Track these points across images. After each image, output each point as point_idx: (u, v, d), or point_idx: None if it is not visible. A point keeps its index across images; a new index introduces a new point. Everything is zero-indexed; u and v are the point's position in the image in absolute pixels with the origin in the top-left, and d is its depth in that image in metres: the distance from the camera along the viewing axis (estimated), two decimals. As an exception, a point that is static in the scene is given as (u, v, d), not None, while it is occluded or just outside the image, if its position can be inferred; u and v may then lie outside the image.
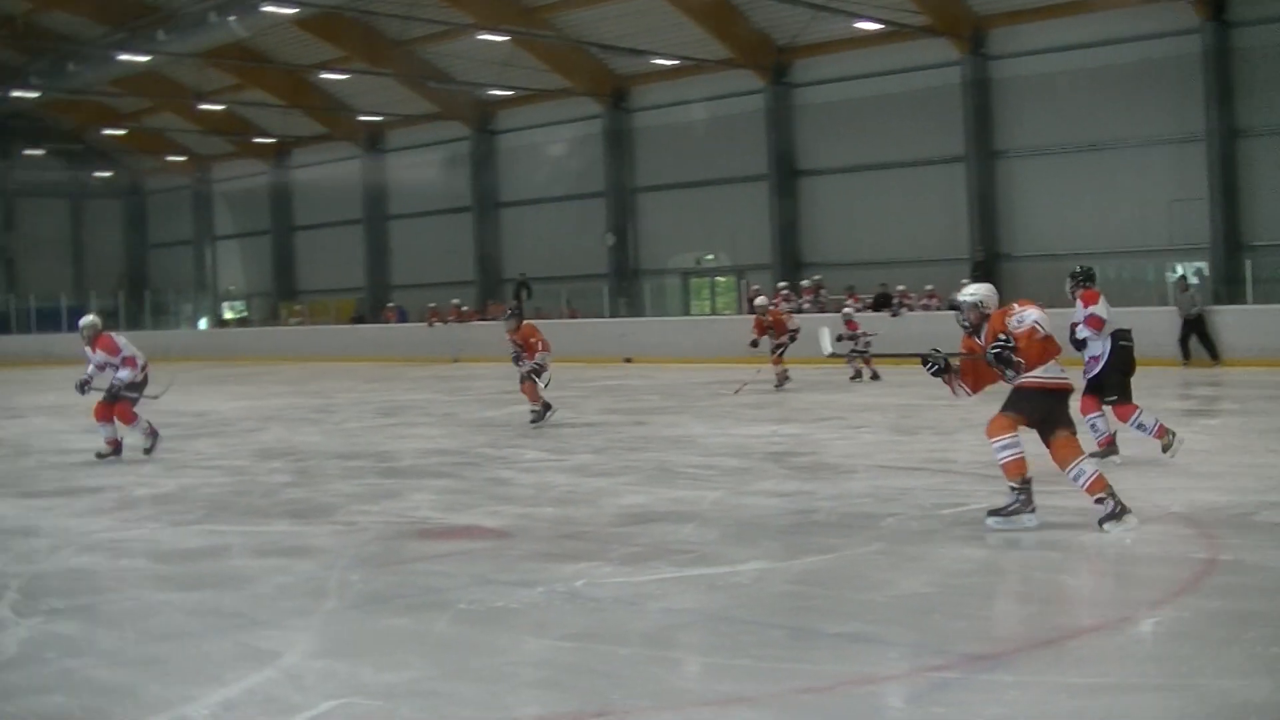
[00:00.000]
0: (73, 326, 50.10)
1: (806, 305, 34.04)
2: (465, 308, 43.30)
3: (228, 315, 61.49)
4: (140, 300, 59.12)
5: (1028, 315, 9.21)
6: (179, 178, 63.08)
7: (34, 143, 60.23)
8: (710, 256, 43.62)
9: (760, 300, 26.67)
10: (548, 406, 18.04)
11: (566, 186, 46.45)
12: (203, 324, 59.83)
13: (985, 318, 9.56)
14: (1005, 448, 9.30)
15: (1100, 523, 9.11)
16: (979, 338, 9.56)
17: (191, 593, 8.32)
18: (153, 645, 7.09)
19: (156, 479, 13.92)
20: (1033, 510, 9.35)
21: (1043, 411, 9.29)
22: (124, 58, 44.45)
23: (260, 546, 9.83)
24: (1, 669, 6.61)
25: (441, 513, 11.42)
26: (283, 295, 57.78)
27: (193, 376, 33.02)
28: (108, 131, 58.43)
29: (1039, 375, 9.24)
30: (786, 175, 40.72)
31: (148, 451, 15.53)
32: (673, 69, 41.61)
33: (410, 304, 47.68)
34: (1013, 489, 9.37)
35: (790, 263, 40.20)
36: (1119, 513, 9.10)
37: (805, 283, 36.88)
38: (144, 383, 15.71)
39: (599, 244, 45.03)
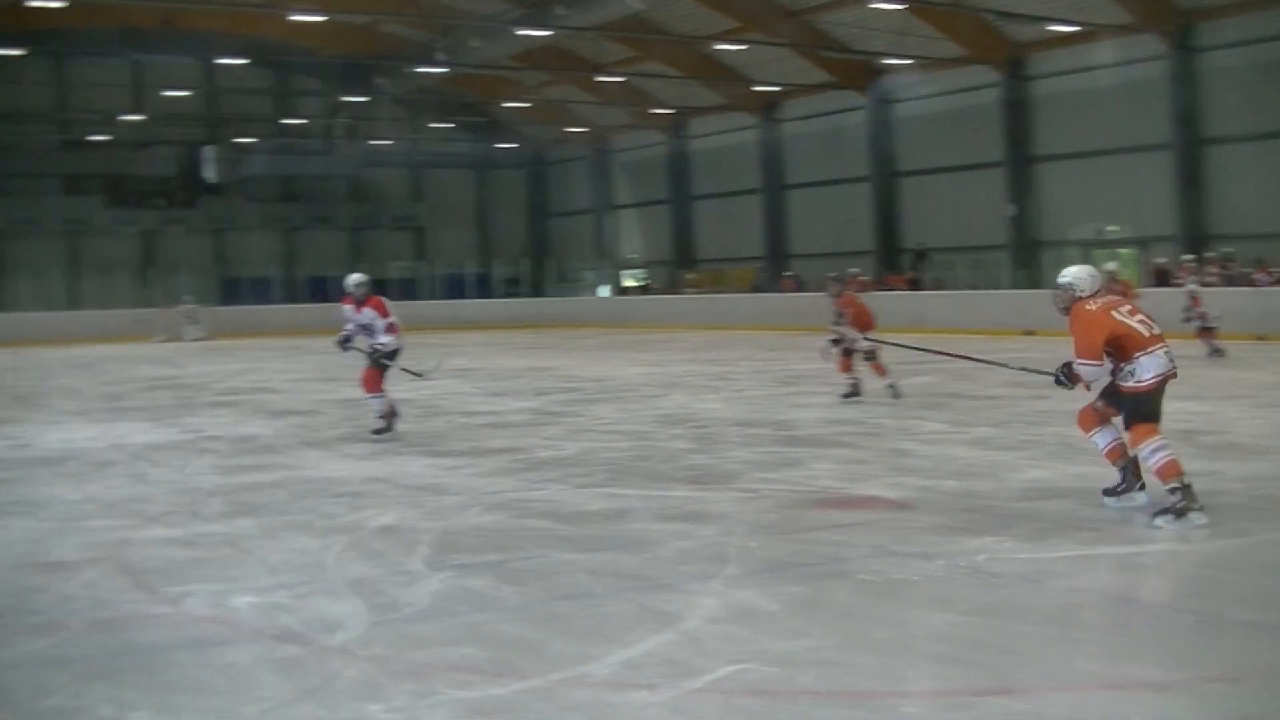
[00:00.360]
0: (479, 293, 52.02)
1: (1213, 279, 32.32)
2: (864, 277, 42.98)
3: (628, 283, 62.53)
4: (542, 268, 60.87)
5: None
6: (578, 148, 64.55)
7: (441, 116, 62.69)
8: (1113, 228, 41.98)
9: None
10: (855, 388, 17.66)
11: (964, 156, 45.41)
12: (603, 291, 60.99)
13: (1074, 302, 9.04)
14: (1155, 450, 8.73)
15: (1154, 516, 8.72)
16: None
17: (594, 554, 8.39)
18: (556, 604, 7.19)
19: (560, 442, 14.19)
20: (1199, 508, 8.68)
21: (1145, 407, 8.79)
22: (525, 33, 45.71)
23: (661, 511, 9.86)
24: (414, 620, 6.82)
25: (842, 482, 11.23)
26: (682, 264, 58.45)
27: (594, 342, 33.87)
28: (510, 104, 60.19)
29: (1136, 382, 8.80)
30: (1190, 143, 38.75)
31: (378, 433, 14.79)
32: (1071, 35, 40.11)
33: (808, 273, 47.59)
34: (1173, 489, 8.69)
35: (1195, 234, 38.32)
36: (1183, 508, 8.60)
37: (1211, 255, 35.08)
38: (398, 352, 15.00)
39: (998, 214, 43.95)
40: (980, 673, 5.77)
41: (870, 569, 7.74)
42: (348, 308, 14.96)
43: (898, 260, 47.47)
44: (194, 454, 13.80)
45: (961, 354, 14.51)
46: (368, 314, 14.83)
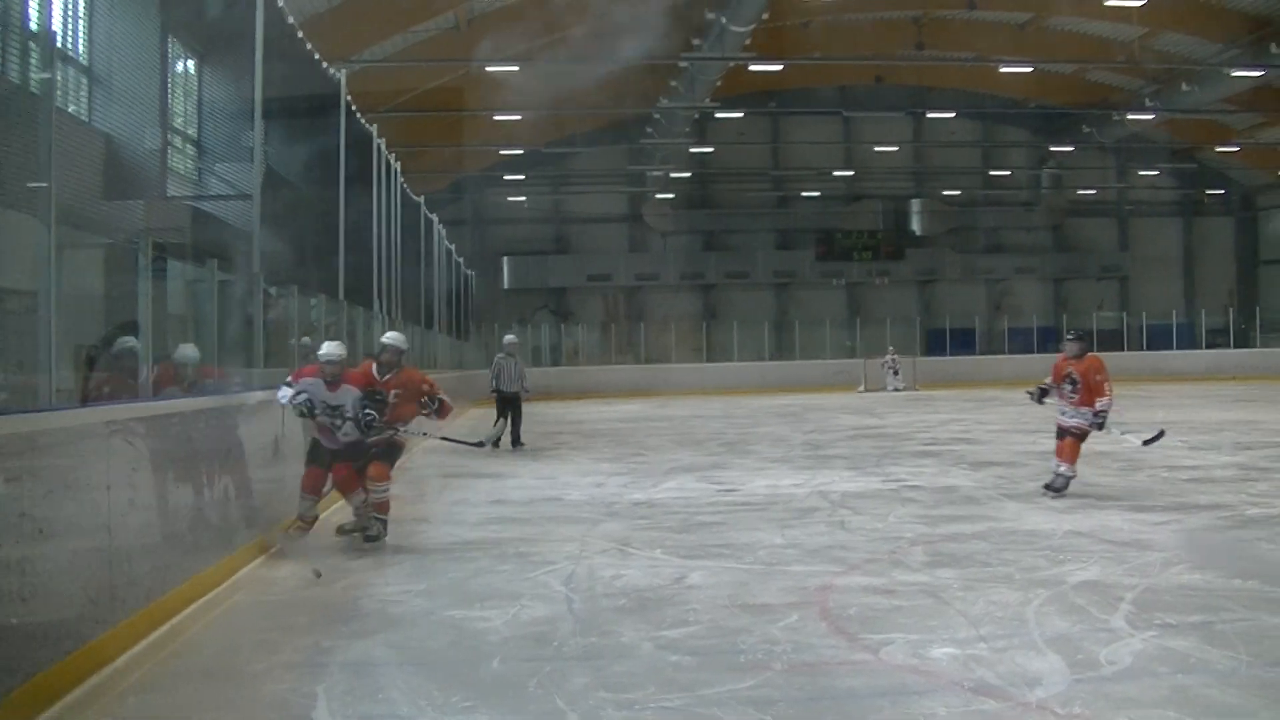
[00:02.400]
0: (1184, 343, 50.09)
1: None
2: None
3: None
4: (1250, 317, 58.21)
5: None
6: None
7: (1148, 163, 61.20)
8: None
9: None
10: None
11: None
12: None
13: None
14: None
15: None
16: None
17: (1308, 621, 8.04)
18: (1267, 670, 6.94)
19: (1270, 499, 13.64)
20: None
21: None
22: (1238, 74, 44.05)
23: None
24: (1115, 679, 6.78)
25: None
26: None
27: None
28: (1220, 149, 58.04)
29: None
30: None
31: (368, 539, 11.74)
32: None
33: None
34: None
35: None
36: None
37: None
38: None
39: None
40: None
41: None
42: (286, 390, 11.38)
43: None
44: (896, 503, 14.11)
45: None
46: (345, 394, 11.53)
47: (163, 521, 8.49)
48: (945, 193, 61.31)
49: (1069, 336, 14.61)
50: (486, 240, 58.16)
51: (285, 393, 11.26)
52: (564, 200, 59.83)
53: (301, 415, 11.35)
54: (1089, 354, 14.30)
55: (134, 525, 7.94)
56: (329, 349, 11.60)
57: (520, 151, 53.12)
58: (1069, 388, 14.32)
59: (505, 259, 57.62)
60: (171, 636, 8.12)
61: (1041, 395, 14.73)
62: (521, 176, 57.07)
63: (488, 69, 39.16)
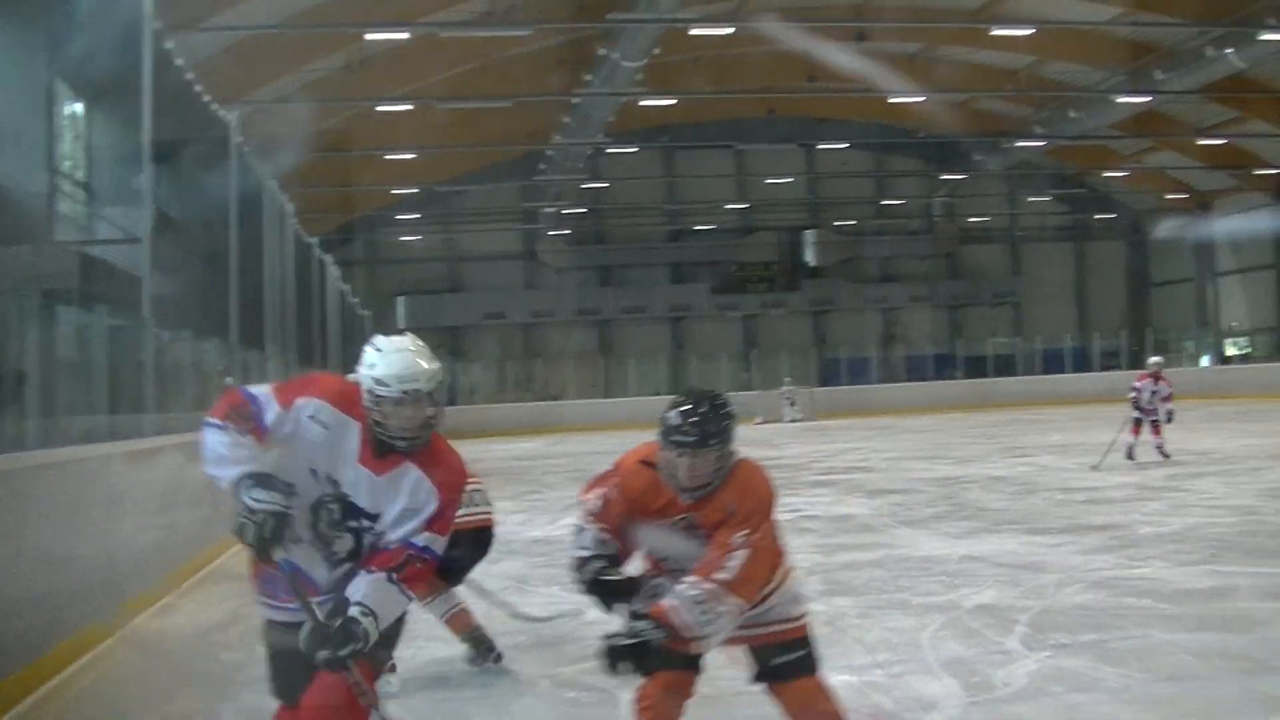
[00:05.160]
0: (1077, 367, 50.82)
1: None
2: None
3: (1230, 352, 60.10)
4: (1142, 339, 59.23)
5: None
6: (1178, 215, 62.54)
7: (1038, 190, 62.17)
8: None
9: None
10: None
11: None
12: (1204, 361, 58.87)
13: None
14: None
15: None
16: None
17: (1197, 634, 8.20)
18: (1158, 685, 7.07)
19: (1162, 517, 13.86)
20: None
21: None
22: (1124, 100, 44.91)
23: (1270, 589, 9.52)
24: (1010, 700, 6.88)
25: None
26: (1289, 330, 55.77)
27: (1196, 414, 32.66)
28: (1109, 174, 59.08)
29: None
30: None
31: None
32: None
33: None
34: None
35: None
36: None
37: None
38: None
39: None
40: None
41: None
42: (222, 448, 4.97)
43: None
44: (793, 533, 14.08)
45: None
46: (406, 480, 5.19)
47: (50, 574, 8.37)
48: (839, 223, 61.97)
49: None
50: (381, 280, 57.92)
51: (225, 469, 4.83)
52: (458, 238, 59.77)
53: (253, 526, 4.71)
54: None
55: (20, 576, 7.83)
56: (410, 365, 4.95)
57: (414, 190, 52.96)
58: None
59: (400, 298, 57.37)
60: (58, 692, 8.02)
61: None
62: (416, 215, 56.99)
63: (379, 108, 39.13)
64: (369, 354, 4.95)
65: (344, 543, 5.01)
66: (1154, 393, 20.69)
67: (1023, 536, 12.92)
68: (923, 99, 44.96)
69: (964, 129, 51.98)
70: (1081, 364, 56.66)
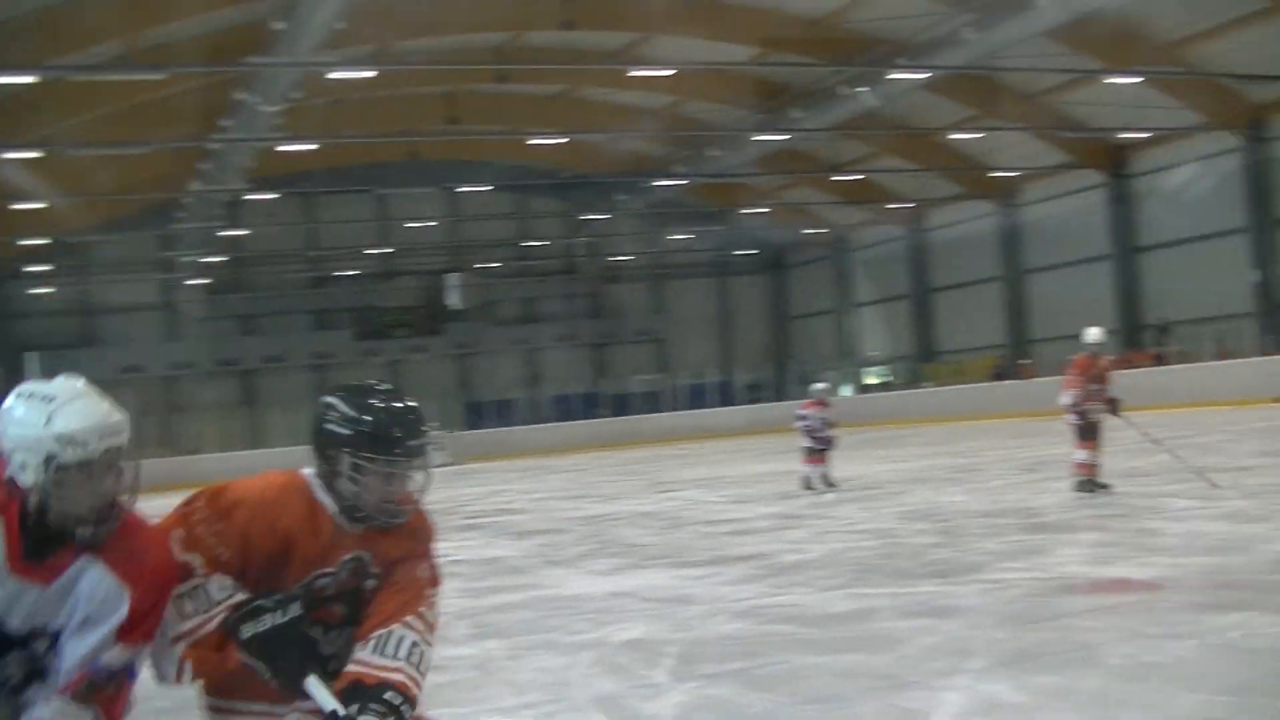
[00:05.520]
0: (722, 400, 51.85)
1: None
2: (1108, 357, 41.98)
3: (871, 381, 62.28)
4: (784, 371, 60.95)
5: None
6: (818, 249, 64.70)
7: (681, 227, 63.44)
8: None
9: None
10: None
11: (1204, 224, 44.32)
12: (845, 391, 60.79)
13: None
14: None
15: None
16: None
17: (839, 655, 8.30)
18: (803, 708, 7.12)
19: (805, 545, 14.10)
20: None
21: None
22: (761, 138, 46.26)
23: (907, 608, 9.72)
24: (660, 734, 6.78)
25: (1089, 566, 11.03)
26: (923, 357, 58.09)
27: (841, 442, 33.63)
28: (749, 210, 60.68)
29: None
30: None
31: None
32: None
33: (1051, 357, 46.75)
34: None
35: None
36: None
37: None
38: None
39: (1243, 281, 42.71)
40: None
41: (1120, 653, 7.55)
42: None
43: (1140, 337, 46.45)
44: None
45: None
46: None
47: None
48: (482, 265, 61.97)
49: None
50: (8, 336, 55.32)
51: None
52: (93, 290, 57.58)
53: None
54: None
55: None
56: (105, 412, 3.66)
57: (45, 241, 50.76)
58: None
59: (28, 354, 54.80)
60: None
61: None
62: (47, 267, 54.66)
63: (4, 155, 37.30)
64: (28, 409, 3.56)
65: (8, 668, 3.67)
66: (824, 420, 21.08)
67: (670, 570, 12.95)
68: (565, 140, 45.43)
69: (606, 169, 52.77)
70: (727, 398, 57.97)
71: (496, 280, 62.52)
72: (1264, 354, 38.61)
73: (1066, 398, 16.63)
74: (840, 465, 21.74)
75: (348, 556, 3.95)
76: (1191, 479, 15.88)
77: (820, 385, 22.41)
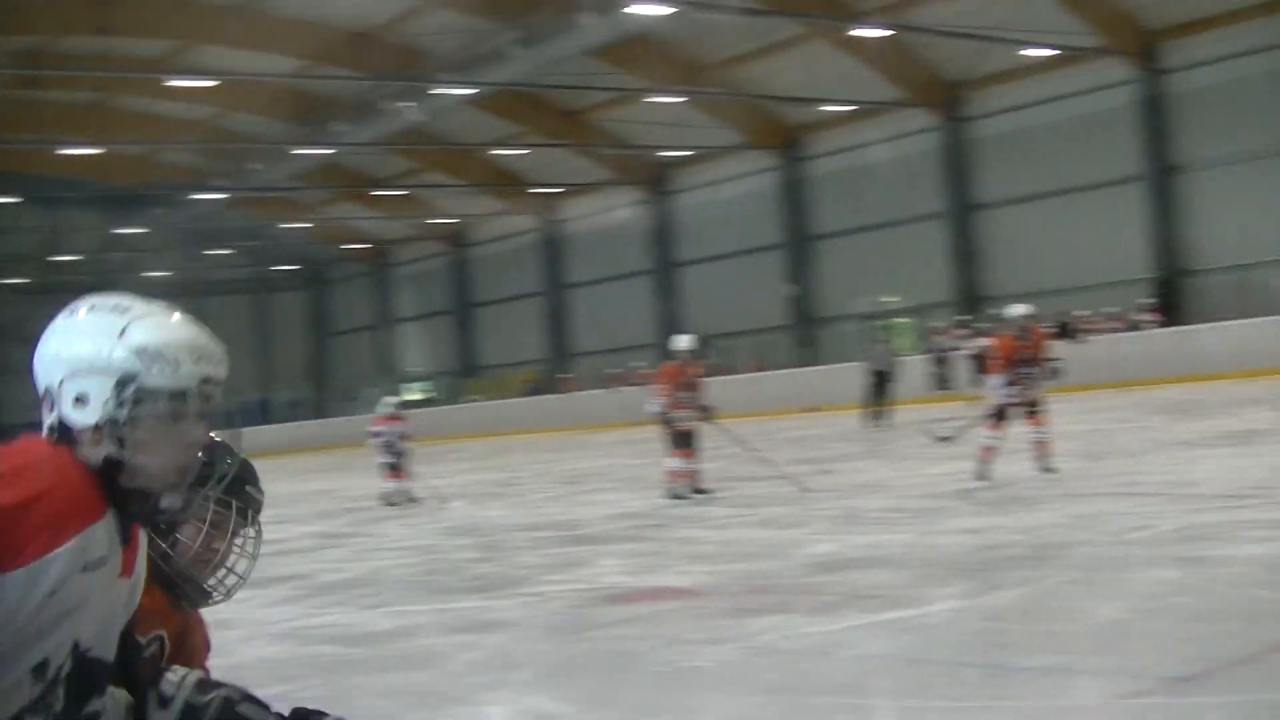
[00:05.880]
0: (261, 419, 50.83)
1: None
2: (646, 371, 43.25)
3: (410, 396, 62.22)
4: (325, 388, 60.35)
5: None
6: (360, 265, 64.29)
7: (219, 242, 61.92)
8: (893, 299, 42.99)
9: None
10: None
11: (744, 240, 46.25)
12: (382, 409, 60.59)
13: None
14: None
15: None
16: None
17: (383, 674, 8.24)
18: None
19: (346, 564, 14.01)
20: None
21: None
22: (302, 152, 45.61)
23: (450, 624, 9.72)
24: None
25: (631, 576, 11.30)
26: (466, 372, 58.44)
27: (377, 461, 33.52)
28: (289, 225, 59.76)
29: None
30: (964, 210, 40.32)
31: None
32: (845, 114, 41.49)
33: (593, 370, 47.88)
34: None
35: (969, 298, 39.64)
36: None
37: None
38: None
39: (779, 295, 44.76)
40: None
41: (660, 660, 7.71)
42: None
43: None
44: None
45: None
46: None
47: None
48: (8, 281, 58.81)
49: None
50: None
51: None
52: None
53: None
54: None
55: None
56: (199, 331, 2.78)
57: None
58: None
59: None
60: None
61: None
62: None
63: None
64: (92, 319, 2.62)
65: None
66: (400, 434, 20.93)
67: (206, 595, 12.61)
68: (100, 150, 43.70)
69: (145, 181, 51.08)
70: (265, 415, 56.91)
71: (22, 297, 59.48)
72: (794, 366, 40.54)
73: (654, 406, 16.87)
74: (378, 483, 21.61)
75: None
76: (729, 487, 16.55)
77: (391, 399, 22.41)
